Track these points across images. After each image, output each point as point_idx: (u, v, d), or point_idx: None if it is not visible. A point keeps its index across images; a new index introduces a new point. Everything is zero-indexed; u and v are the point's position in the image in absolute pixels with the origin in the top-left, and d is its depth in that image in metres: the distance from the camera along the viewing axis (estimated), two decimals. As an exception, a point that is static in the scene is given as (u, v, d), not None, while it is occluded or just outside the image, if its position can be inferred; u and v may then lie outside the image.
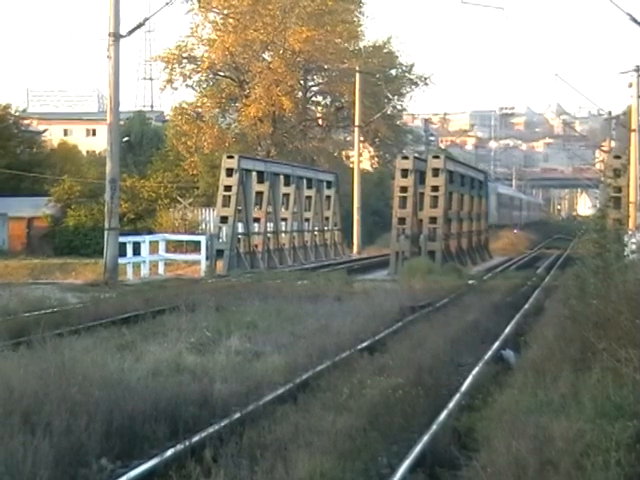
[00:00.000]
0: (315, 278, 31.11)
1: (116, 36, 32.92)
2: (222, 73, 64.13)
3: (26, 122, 72.75)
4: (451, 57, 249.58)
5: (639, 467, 8.03)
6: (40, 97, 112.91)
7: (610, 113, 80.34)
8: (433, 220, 39.63)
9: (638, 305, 10.98)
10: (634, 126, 56.89)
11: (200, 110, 64.14)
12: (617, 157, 46.99)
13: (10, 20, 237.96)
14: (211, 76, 64.63)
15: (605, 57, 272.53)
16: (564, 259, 41.60)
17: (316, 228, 50.32)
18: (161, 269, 39.18)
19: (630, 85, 56.59)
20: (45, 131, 79.25)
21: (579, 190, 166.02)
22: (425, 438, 9.99)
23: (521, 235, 75.70)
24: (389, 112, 67.05)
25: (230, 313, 20.26)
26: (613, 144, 77.72)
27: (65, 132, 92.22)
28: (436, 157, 43.01)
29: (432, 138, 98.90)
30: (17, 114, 70.18)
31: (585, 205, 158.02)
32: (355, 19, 65.46)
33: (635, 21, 30.02)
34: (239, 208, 39.70)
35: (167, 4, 36.13)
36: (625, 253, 17.18)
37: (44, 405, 9.85)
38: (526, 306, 23.51)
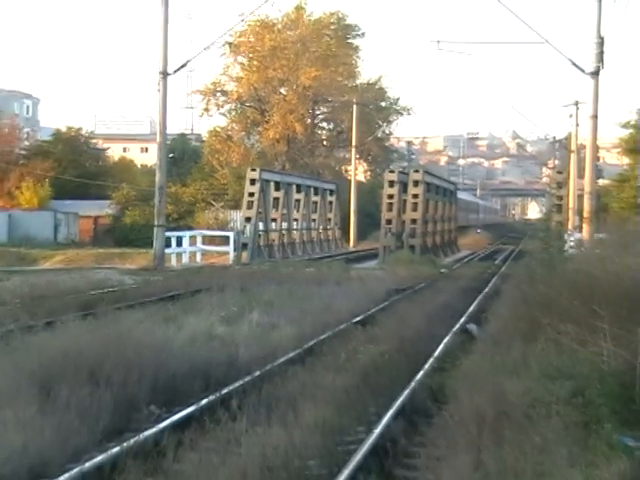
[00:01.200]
0: (320, 266, 31.07)
1: (164, 74, 32.93)
2: (247, 104, 64.08)
3: (93, 141, 72.77)
4: (429, 91, 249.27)
5: (574, 417, 8.04)
6: (104, 121, 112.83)
7: (554, 137, 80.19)
8: (413, 221, 39.62)
9: (575, 289, 10.98)
10: (573, 148, 56.82)
11: (230, 133, 64.14)
12: (559, 172, 46.97)
13: (79, 60, 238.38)
14: (239, 106, 64.58)
15: (551, 92, 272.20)
16: (517, 253, 41.53)
17: (320, 227, 50.30)
18: (198, 258, 39.15)
19: (570, 116, 56.59)
20: (108, 149, 79.23)
21: (529, 198, 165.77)
22: (406, 393, 10.01)
23: (482, 234, 75.42)
24: (379, 135, 66.94)
25: (252, 293, 20.24)
26: (557, 162, 77.56)
27: (124, 149, 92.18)
28: (416, 171, 42.99)
29: (413, 156, 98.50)
30: (86, 135, 70.29)
31: (534, 210, 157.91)
32: (353, 62, 65.35)
33: (575, 65, 29.95)
34: (260, 210, 39.68)
35: (205, 49, 36.94)
36: (565, 248, 17.20)
37: (106, 363, 9.86)
38: (486, 290, 23.48)
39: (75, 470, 7.16)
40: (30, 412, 8.32)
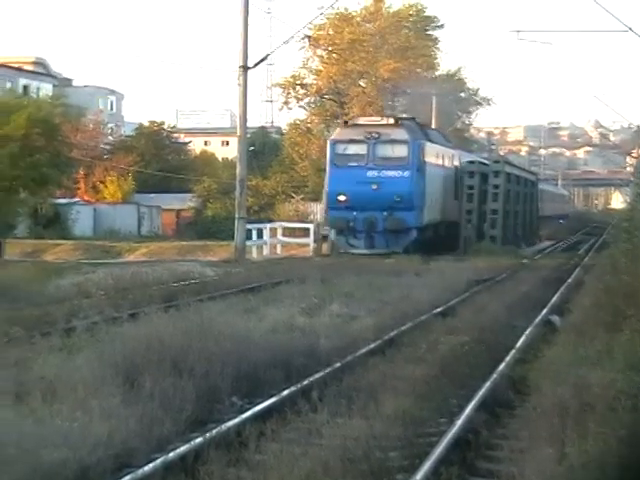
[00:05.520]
0: (399, 257, 30.79)
1: (245, 68, 33.15)
2: (327, 96, 64.16)
3: (175, 135, 73.73)
4: (509, 81, 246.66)
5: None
6: (186, 115, 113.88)
7: (639, 126, 78.67)
8: (494, 212, 39.20)
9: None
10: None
11: (309, 125, 64.29)
12: (643, 161, 46.07)
13: (162, 56, 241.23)
14: (318, 99, 64.69)
15: (635, 80, 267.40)
16: (600, 243, 40.78)
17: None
18: (279, 250, 39.35)
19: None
20: (190, 142, 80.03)
21: (612, 188, 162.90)
22: (487, 384, 9.89)
23: (565, 224, 74.25)
24: (459, 127, 66.53)
25: (332, 285, 20.21)
26: (640, 151, 76.09)
27: (205, 143, 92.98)
28: (496, 162, 42.64)
29: (493, 147, 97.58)
30: (168, 129, 71.23)
31: (617, 200, 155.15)
32: (432, 53, 65.00)
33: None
34: (340, 202, 39.41)
35: (284, 43, 37.27)
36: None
37: (188, 354, 9.94)
38: (569, 280, 23.08)
39: (159, 460, 7.22)
40: (115, 402, 8.43)
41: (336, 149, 34.21)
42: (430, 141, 36.02)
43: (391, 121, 34.59)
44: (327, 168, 34.89)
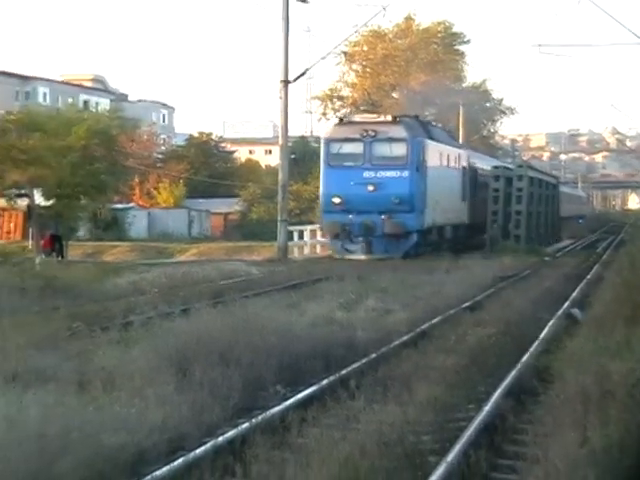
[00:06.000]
0: (429, 256, 30.54)
1: (285, 82, 33.21)
2: (362, 107, 64.14)
3: (222, 145, 73.98)
4: (531, 91, 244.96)
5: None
6: (232, 126, 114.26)
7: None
8: (518, 213, 38.95)
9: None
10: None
11: (346, 134, 64.30)
12: (658, 165, 45.58)
13: (209, 72, 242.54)
14: (354, 110, 64.72)
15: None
16: (618, 241, 40.33)
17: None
18: (318, 250, 39.31)
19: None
20: (235, 151, 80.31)
21: (629, 190, 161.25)
22: (513, 373, 9.82)
23: (584, 224, 73.52)
24: (485, 134, 66.23)
25: (368, 281, 20.12)
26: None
27: (250, 152, 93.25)
28: (520, 166, 42.44)
29: (517, 152, 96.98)
30: (216, 139, 71.55)
31: (634, 201, 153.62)
32: (459, 66, 64.86)
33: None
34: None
35: (322, 59, 37.57)
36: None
37: (235, 347, 9.95)
38: (589, 276, 22.85)
39: (209, 444, 7.24)
40: (168, 390, 8.47)
41: (330, 148, 29.93)
42: (432, 139, 31.92)
43: (389, 118, 30.23)
44: (321, 168, 30.54)
